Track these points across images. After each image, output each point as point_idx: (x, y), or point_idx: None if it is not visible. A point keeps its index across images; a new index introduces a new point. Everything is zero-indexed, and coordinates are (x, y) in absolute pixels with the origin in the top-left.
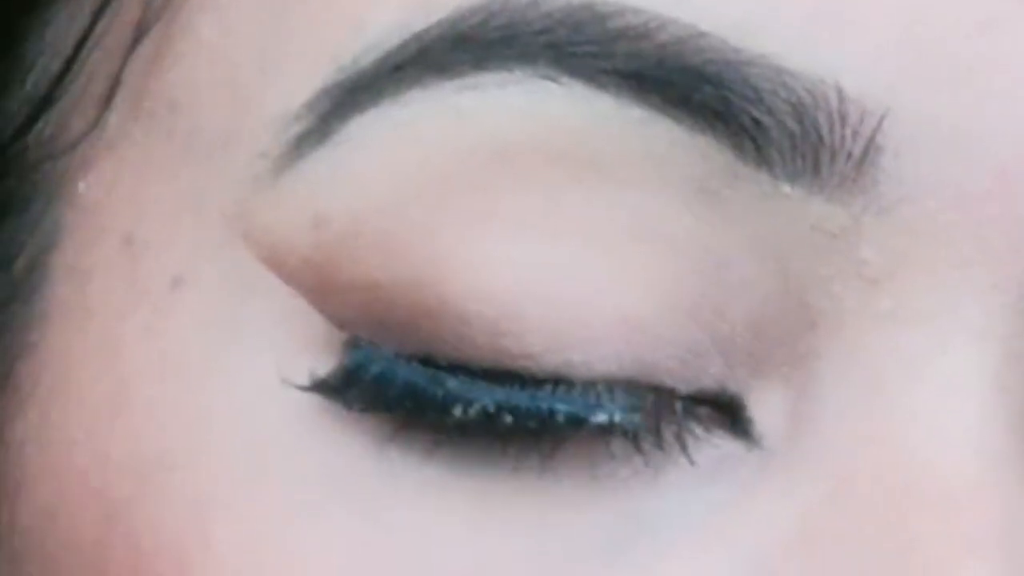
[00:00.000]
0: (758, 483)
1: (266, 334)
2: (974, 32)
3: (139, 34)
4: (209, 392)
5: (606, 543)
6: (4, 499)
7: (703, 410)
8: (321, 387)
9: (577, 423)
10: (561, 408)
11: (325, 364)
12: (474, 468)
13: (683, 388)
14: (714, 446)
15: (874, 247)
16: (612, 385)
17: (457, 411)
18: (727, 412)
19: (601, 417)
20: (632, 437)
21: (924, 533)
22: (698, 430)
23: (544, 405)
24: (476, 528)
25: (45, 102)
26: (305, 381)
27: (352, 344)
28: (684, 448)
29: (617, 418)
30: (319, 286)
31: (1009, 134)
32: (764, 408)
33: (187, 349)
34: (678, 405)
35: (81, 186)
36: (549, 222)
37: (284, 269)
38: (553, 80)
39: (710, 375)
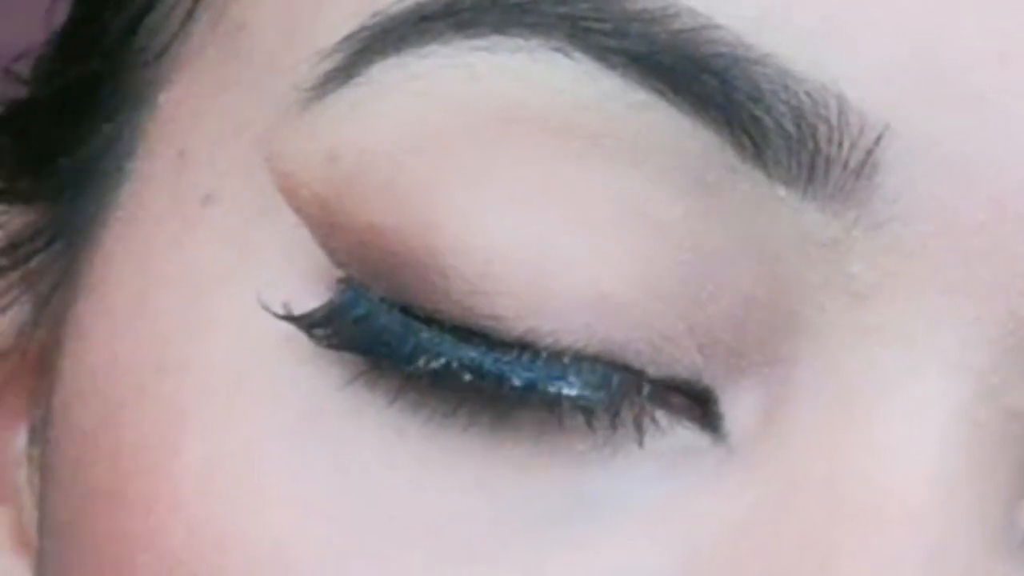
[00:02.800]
0: (715, 478)
1: (271, 260)
2: (990, 62)
3: None
4: (212, 308)
5: (548, 515)
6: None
7: (674, 398)
8: (297, 320)
9: (534, 391)
10: (521, 374)
11: (315, 298)
12: (431, 420)
13: (652, 372)
14: (679, 436)
15: (862, 262)
16: (579, 359)
17: (421, 361)
18: (699, 403)
19: (559, 389)
20: (587, 414)
21: (848, 548)
22: (663, 419)
23: (504, 369)
24: (423, 480)
25: (141, 12)
26: (280, 310)
27: (344, 282)
28: (640, 432)
29: (575, 392)
30: (324, 221)
31: (1011, 168)
32: (737, 405)
33: (204, 265)
34: (645, 388)
35: (161, 98)
36: (540, 190)
37: (296, 200)
38: (564, 53)
39: (683, 364)
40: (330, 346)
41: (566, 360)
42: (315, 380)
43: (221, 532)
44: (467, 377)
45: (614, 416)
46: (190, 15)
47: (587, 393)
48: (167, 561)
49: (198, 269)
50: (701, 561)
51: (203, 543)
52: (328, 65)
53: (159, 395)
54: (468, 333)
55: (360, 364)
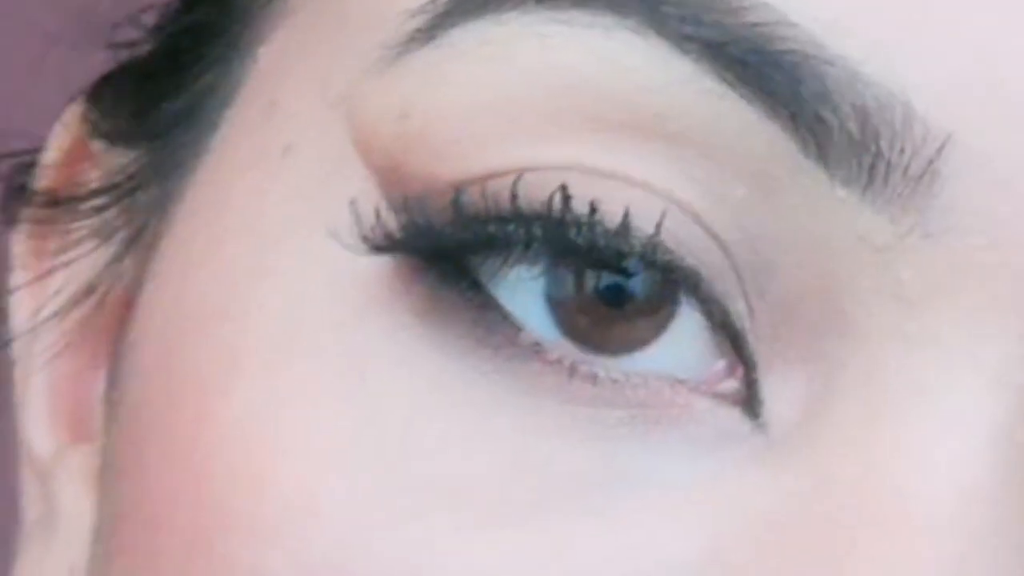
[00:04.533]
0: (749, 467)
1: (339, 213)
2: None
3: None
4: (277, 257)
5: (579, 484)
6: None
7: (722, 383)
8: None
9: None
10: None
11: (387, 225)
12: (471, 371)
13: (705, 290)
14: (719, 419)
15: (913, 269)
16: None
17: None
18: (744, 386)
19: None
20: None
21: (868, 552)
22: (706, 400)
23: (572, 232)
24: (457, 438)
25: None
26: (357, 248)
27: (405, 227)
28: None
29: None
30: (391, 175)
31: None
32: (779, 395)
33: (276, 214)
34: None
35: (260, 51)
36: (603, 158)
37: (367, 153)
38: (639, 34)
39: (734, 309)
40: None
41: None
42: (364, 333)
43: (259, 476)
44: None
45: (649, 391)
46: None
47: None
48: (207, 503)
49: (270, 218)
50: (723, 548)
51: (241, 486)
52: (412, 25)
53: (216, 337)
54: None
55: (409, 313)
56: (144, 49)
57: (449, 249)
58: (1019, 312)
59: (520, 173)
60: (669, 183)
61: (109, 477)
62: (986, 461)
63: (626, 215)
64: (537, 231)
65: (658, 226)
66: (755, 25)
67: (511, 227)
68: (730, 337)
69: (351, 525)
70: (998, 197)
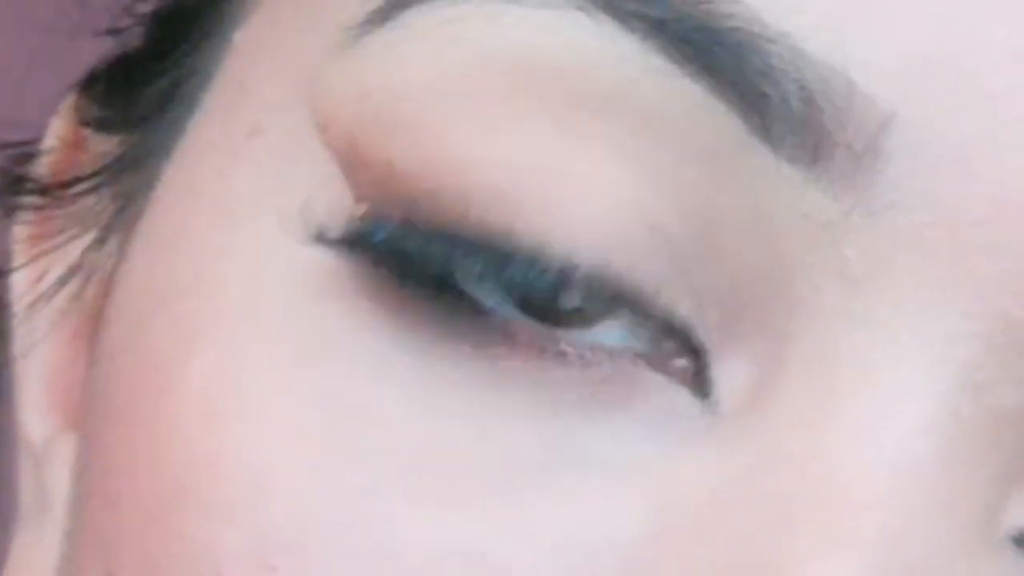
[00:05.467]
0: (699, 445)
1: (299, 194)
2: (1003, 61)
3: None
4: (238, 236)
5: (532, 462)
6: None
7: (670, 362)
8: (323, 240)
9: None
10: (527, 277)
11: (336, 230)
12: (424, 351)
13: (652, 310)
14: (670, 399)
15: (857, 247)
16: (588, 280)
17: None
18: (692, 363)
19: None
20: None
21: (805, 521)
22: (657, 380)
23: (514, 273)
24: (411, 414)
25: None
26: (307, 234)
27: (364, 217)
28: (632, 389)
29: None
30: (350, 156)
31: (1014, 168)
32: (729, 373)
33: (239, 194)
34: (646, 326)
35: (236, 35)
36: (556, 135)
37: (327, 134)
38: (586, 12)
39: (680, 312)
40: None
41: (576, 276)
42: (321, 315)
43: (216, 452)
44: (475, 277)
45: (607, 368)
46: None
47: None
48: (165, 479)
49: (234, 198)
50: (666, 524)
51: (198, 462)
52: (370, 7)
53: (178, 315)
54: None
55: (364, 293)
56: (134, 37)
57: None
58: (963, 289)
59: (465, 191)
60: (620, 175)
61: (82, 456)
62: (930, 437)
63: (568, 260)
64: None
65: (604, 263)
66: (699, 3)
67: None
68: (676, 333)
69: (308, 502)
70: (943, 175)
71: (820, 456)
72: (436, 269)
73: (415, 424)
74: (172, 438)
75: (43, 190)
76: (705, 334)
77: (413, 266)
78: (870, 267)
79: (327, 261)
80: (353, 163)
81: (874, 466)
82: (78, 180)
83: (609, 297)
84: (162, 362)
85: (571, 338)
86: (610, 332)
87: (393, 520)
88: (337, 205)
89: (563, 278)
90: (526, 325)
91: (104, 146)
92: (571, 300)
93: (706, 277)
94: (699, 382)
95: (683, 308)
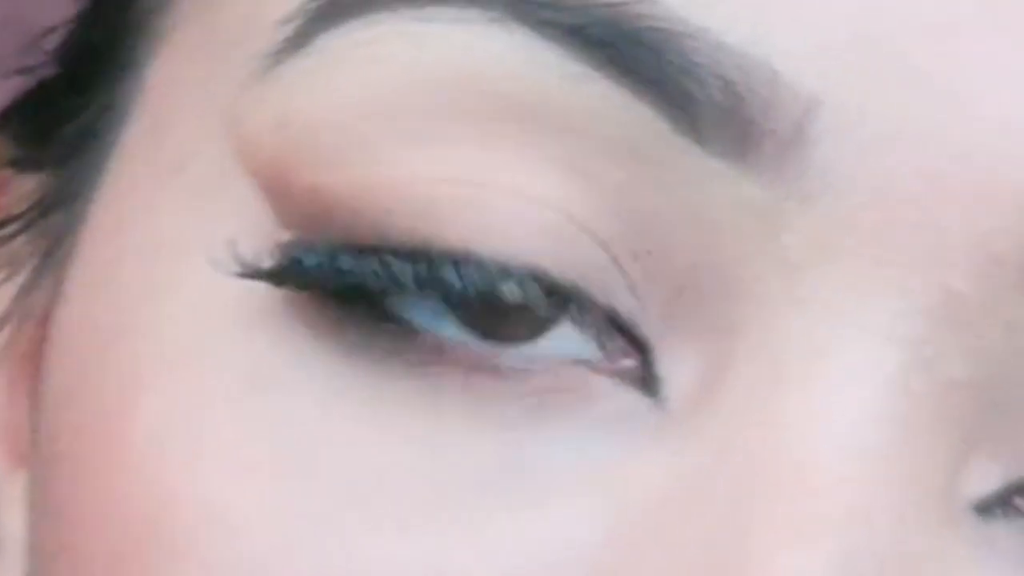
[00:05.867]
0: (651, 445)
1: (228, 225)
2: (925, 38)
3: None
4: (172, 274)
5: (485, 479)
6: None
7: (620, 358)
8: (254, 274)
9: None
10: (463, 276)
11: (267, 260)
12: (369, 377)
13: (599, 307)
14: (618, 400)
15: (795, 234)
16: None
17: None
18: (639, 361)
19: (511, 295)
20: (526, 374)
21: (767, 515)
22: (603, 383)
23: (449, 275)
24: (361, 440)
25: None
26: (236, 269)
27: (293, 244)
28: (578, 395)
29: (518, 297)
30: (274, 184)
31: (941, 141)
32: (676, 369)
33: (169, 231)
34: (590, 319)
35: (148, 69)
36: (481, 149)
37: (251, 164)
38: (501, 24)
39: (624, 311)
40: (285, 287)
41: (510, 279)
42: (260, 345)
43: (172, 494)
44: (411, 290)
45: (551, 376)
46: None
47: (530, 293)
48: (122, 525)
49: (163, 235)
50: (625, 529)
51: (156, 505)
52: (283, 34)
53: (119, 359)
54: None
55: (306, 321)
56: (46, 74)
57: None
58: (903, 267)
59: (387, 207)
60: (546, 180)
61: (35, 501)
62: (883, 417)
63: (497, 261)
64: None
65: (531, 266)
66: (614, 5)
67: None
68: (620, 329)
69: (266, 535)
70: (874, 155)
71: (774, 446)
72: (369, 289)
73: (366, 449)
74: (127, 483)
75: None
76: (648, 328)
77: (345, 288)
78: (808, 252)
79: (261, 291)
80: (279, 191)
81: (830, 452)
82: (3, 223)
83: (548, 297)
84: (108, 408)
85: (508, 352)
86: (550, 343)
87: (354, 546)
88: (266, 234)
89: (497, 282)
90: (461, 341)
91: (28, 186)
92: (513, 296)
93: (643, 273)
94: (646, 380)
95: (623, 304)
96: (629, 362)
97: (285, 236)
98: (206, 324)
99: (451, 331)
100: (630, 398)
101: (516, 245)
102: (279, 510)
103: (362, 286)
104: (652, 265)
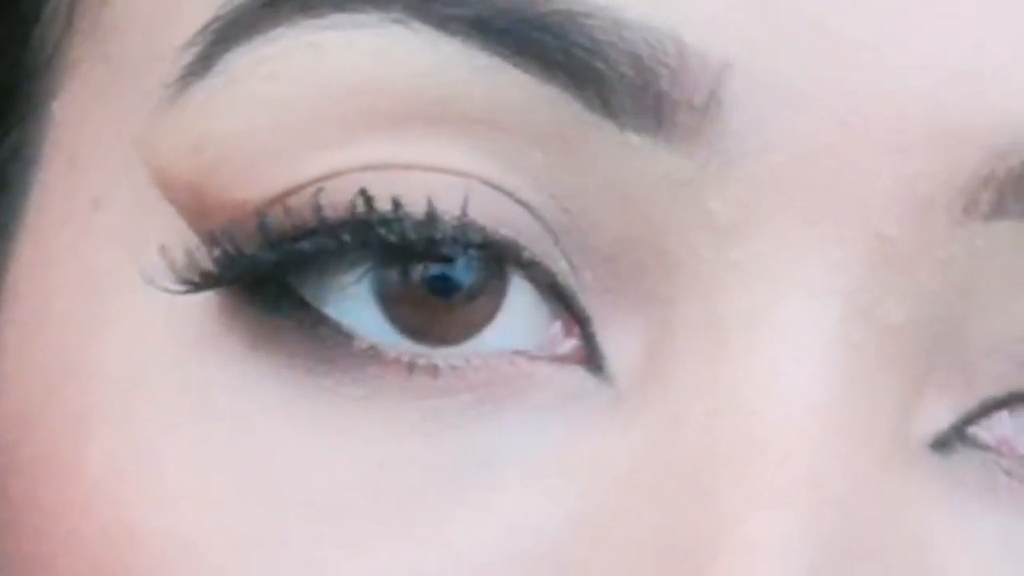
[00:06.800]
0: (602, 423)
1: (155, 257)
2: None
3: None
4: (106, 310)
5: (439, 477)
6: None
7: (560, 346)
8: (192, 277)
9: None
10: (408, 229)
11: (196, 280)
12: (314, 392)
13: (527, 256)
14: (564, 381)
15: (721, 199)
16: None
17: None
18: (583, 342)
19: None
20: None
21: (731, 482)
22: (548, 367)
23: (392, 227)
24: (313, 457)
25: (28, 23)
26: (173, 277)
27: (220, 259)
28: (522, 381)
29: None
30: (195, 207)
31: (853, 90)
32: (619, 346)
33: (97, 268)
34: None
35: (54, 105)
36: (398, 157)
37: (170, 191)
38: (404, 24)
39: (562, 277)
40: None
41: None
42: (202, 369)
43: (132, 531)
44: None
45: (489, 370)
46: (70, 23)
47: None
48: (85, 564)
49: (92, 273)
50: (588, 510)
51: (117, 543)
52: (187, 59)
53: (64, 400)
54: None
55: (247, 338)
56: None
57: (266, 274)
58: (830, 218)
59: (318, 185)
60: (467, 164)
61: None
62: (830, 371)
63: (430, 202)
64: (347, 237)
65: (463, 206)
66: None
67: (320, 239)
68: (560, 297)
69: (233, 562)
70: (788, 111)
71: (727, 412)
72: (300, 290)
73: (318, 465)
74: (85, 524)
75: None
76: (586, 300)
77: (276, 294)
78: (736, 216)
79: (195, 313)
80: (200, 212)
81: (781, 414)
82: None
83: (485, 252)
84: (58, 450)
85: (444, 352)
86: (486, 340)
87: (320, 564)
88: (192, 255)
89: (434, 235)
90: (396, 343)
91: None
92: (453, 250)
93: (577, 242)
94: (590, 359)
95: (561, 264)
96: (570, 342)
97: (212, 253)
98: (146, 356)
99: (386, 334)
100: (575, 379)
101: (445, 205)
102: (242, 535)
103: (288, 294)
104: (583, 239)
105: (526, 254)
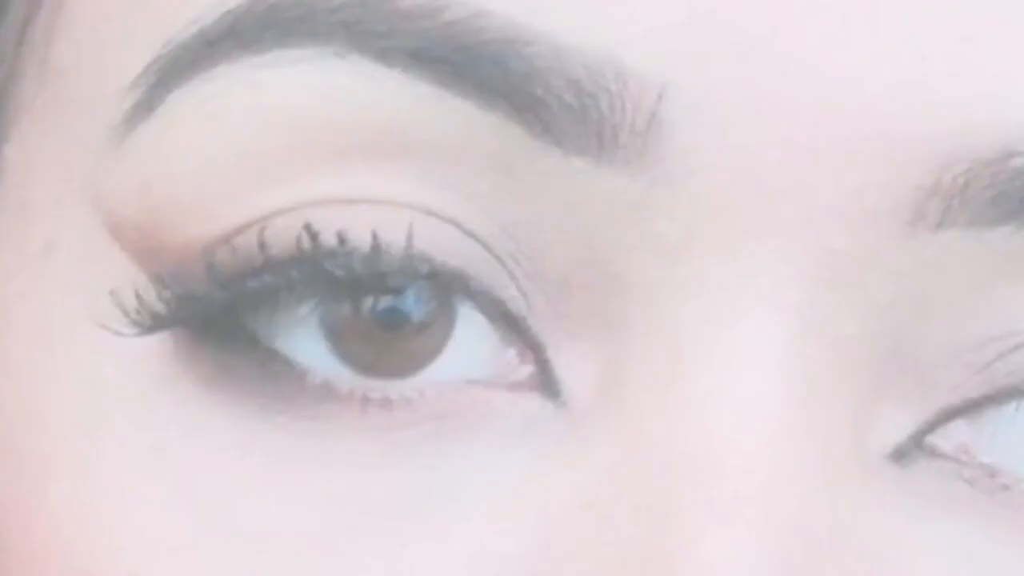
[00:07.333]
0: (560, 449)
1: (107, 301)
2: (758, 7)
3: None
4: (60, 356)
5: (400, 510)
6: None
7: (516, 372)
8: (138, 335)
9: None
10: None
11: (146, 320)
12: (269, 432)
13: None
14: (521, 410)
15: (667, 219)
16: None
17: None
18: (538, 369)
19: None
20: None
21: (685, 502)
22: (503, 397)
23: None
24: (271, 497)
25: None
26: (123, 336)
27: (170, 300)
28: (479, 411)
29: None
30: (145, 248)
31: (795, 106)
32: (574, 371)
33: (50, 314)
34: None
35: (5, 150)
36: (342, 180)
37: (119, 233)
38: (343, 57)
39: (512, 301)
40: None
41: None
42: (158, 410)
43: (96, 574)
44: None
45: (444, 401)
46: (17, 64)
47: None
48: None
49: (45, 319)
50: (547, 539)
51: None
52: (131, 100)
53: (23, 448)
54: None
55: (201, 380)
56: None
57: (217, 313)
58: (778, 234)
59: (262, 223)
60: (412, 195)
61: None
62: (785, 386)
63: (375, 235)
64: (294, 274)
65: (409, 237)
66: (452, 23)
67: (268, 277)
68: (511, 325)
69: None
70: (731, 129)
71: (681, 435)
72: (251, 327)
73: (277, 505)
74: (50, 570)
75: None
76: (538, 326)
77: (228, 332)
78: (684, 236)
79: (148, 356)
80: (148, 252)
81: (735, 431)
82: None
83: (433, 283)
84: (23, 497)
85: (397, 385)
86: (438, 370)
87: None
88: (142, 298)
89: (382, 267)
90: (348, 378)
91: None
92: (398, 281)
93: (526, 269)
94: (545, 385)
95: (511, 291)
96: (525, 369)
97: (162, 293)
98: (103, 400)
99: (338, 369)
100: (531, 406)
101: (391, 236)
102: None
103: (238, 331)
104: (532, 266)
105: (475, 283)
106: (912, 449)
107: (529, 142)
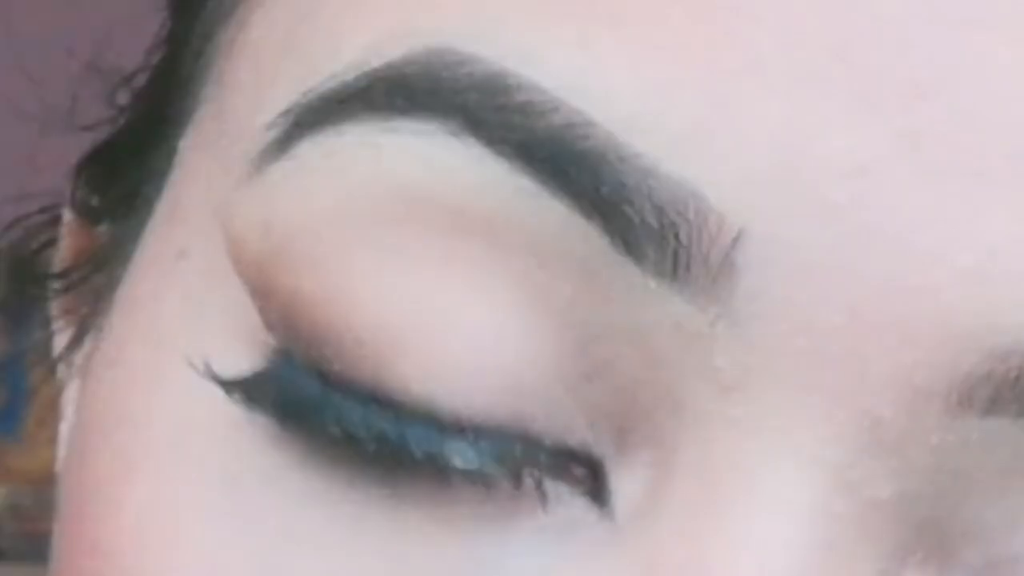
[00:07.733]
0: (596, 554)
1: (215, 320)
2: (844, 175)
3: (223, 15)
4: (166, 362)
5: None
6: None
7: (572, 469)
8: (219, 380)
9: (433, 461)
10: (422, 444)
11: (245, 361)
12: (333, 488)
13: (548, 443)
14: (571, 508)
15: (726, 356)
16: (479, 430)
17: (331, 428)
18: (592, 476)
19: (459, 462)
20: (486, 482)
21: None
22: (560, 490)
23: (407, 437)
24: (325, 549)
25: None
26: (203, 368)
27: (271, 349)
28: (537, 502)
29: (474, 465)
30: (258, 285)
31: (864, 277)
32: (624, 482)
33: (167, 318)
34: (542, 457)
35: (180, 144)
36: (443, 264)
37: (238, 264)
38: (458, 138)
39: (576, 437)
40: (249, 407)
41: (466, 428)
42: (238, 443)
43: None
44: (372, 447)
45: (514, 485)
46: (202, 62)
47: (486, 465)
48: None
49: (164, 323)
50: None
51: None
52: (269, 138)
53: (115, 444)
54: (377, 402)
55: (274, 428)
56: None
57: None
58: (826, 394)
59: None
60: (502, 307)
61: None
62: (805, 541)
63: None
64: None
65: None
66: (560, 127)
67: None
68: (574, 453)
69: None
70: (797, 286)
71: (702, 567)
72: (331, 420)
73: (334, 557)
74: (109, 567)
75: (44, 277)
76: (600, 450)
77: (310, 413)
78: (739, 375)
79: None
80: (262, 292)
81: (757, 571)
82: (63, 273)
83: (499, 464)
84: (104, 491)
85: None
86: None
87: None
88: (250, 334)
89: (447, 442)
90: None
91: (83, 239)
92: (463, 462)
93: (594, 393)
94: (597, 490)
95: (576, 436)
96: (581, 470)
97: (269, 339)
98: (188, 421)
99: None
100: (581, 506)
101: (473, 390)
102: None
103: (325, 420)
104: (600, 383)
105: (544, 434)
106: None
107: (612, 254)
